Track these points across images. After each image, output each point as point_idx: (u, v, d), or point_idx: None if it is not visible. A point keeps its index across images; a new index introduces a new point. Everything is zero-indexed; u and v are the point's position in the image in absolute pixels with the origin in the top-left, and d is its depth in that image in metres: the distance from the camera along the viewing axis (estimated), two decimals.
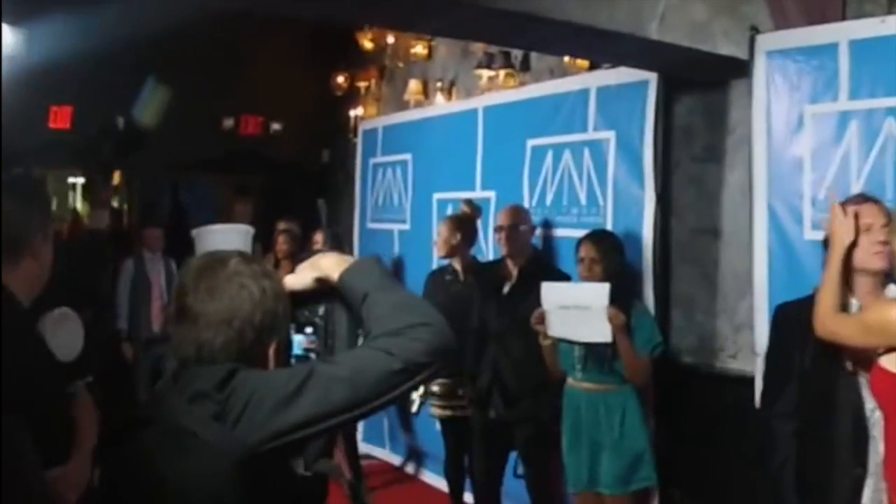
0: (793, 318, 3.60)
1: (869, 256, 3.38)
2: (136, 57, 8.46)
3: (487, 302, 5.78)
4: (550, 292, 5.10)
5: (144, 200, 10.74)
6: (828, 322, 3.21)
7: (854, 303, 3.41)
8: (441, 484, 6.94)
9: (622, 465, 5.02)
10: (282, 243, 8.04)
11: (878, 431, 3.26)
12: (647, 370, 5.09)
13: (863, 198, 3.54)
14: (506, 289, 5.74)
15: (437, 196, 7.63)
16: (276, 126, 10.13)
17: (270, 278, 2.15)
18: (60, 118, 9.04)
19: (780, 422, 3.57)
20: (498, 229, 5.81)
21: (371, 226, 8.86)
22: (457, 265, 6.31)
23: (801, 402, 3.50)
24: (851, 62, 4.38)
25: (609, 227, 5.84)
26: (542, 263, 5.94)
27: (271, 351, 2.14)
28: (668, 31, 4.64)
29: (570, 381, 5.23)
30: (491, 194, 7.04)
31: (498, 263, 5.94)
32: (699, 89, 5.62)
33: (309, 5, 4.26)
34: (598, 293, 4.88)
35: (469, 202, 6.64)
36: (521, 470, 5.82)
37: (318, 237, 7.60)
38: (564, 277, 5.59)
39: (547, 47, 5.81)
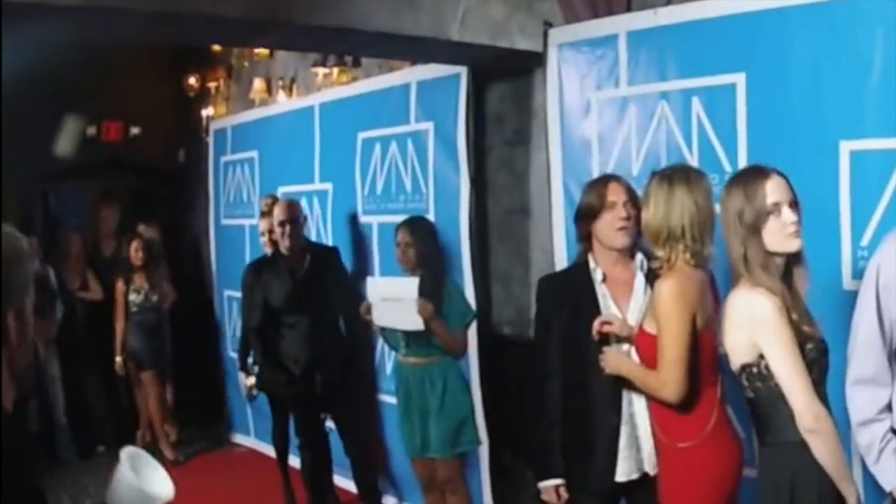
0: (552, 288, 3.80)
1: (613, 233, 3.57)
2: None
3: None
4: (374, 286, 5.29)
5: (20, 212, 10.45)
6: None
7: (598, 272, 3.59)
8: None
9: (448, 429, 5.15)
10: (135, 250, 7.93)
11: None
12: (462, 343, 5.26)
13: (609, 177, 3.72)
14: (299, 275, 6.00)
15: (282, 190, 7.58)
16: (135, 130, 9.94)
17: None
18: None
19: (548, 384, 3.72)
20: (281, 224, 5.98)
21: (225, 222, 8.81)
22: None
23: (563, 365, 3.65)
24: (629, 51, 4.55)
25: (431, 211, 5.97)
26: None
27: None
28: (469, 31, 4.75)
29: (398, 357, 5.34)
30: (328, 186, 7.09)
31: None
32: (508, 78, 5.73)
33: (161, 35, 4.41)
34: (409, 286, 5.05)
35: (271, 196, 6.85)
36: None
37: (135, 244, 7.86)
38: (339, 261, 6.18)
39: (363, 52, 6.07)
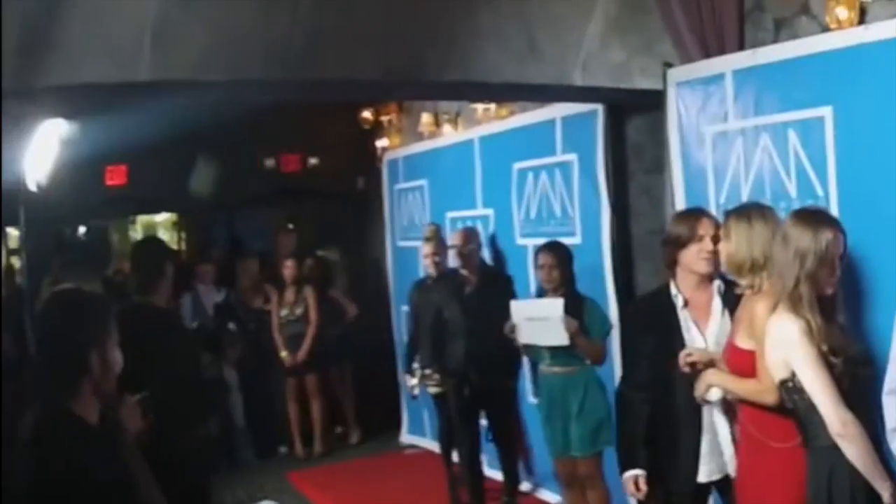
0: (638, 311, 4.68)
1: (699, 261, 4.38)
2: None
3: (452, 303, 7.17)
4: (517, 308, 6.25)
5: (198, 238, 12.11)
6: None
7: (680, 298, 4.41)
8: None
9: (587, 430, 6.06)
10: (286, 269, 9.64)
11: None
12: (603, 352, 6.13)
13: (700, 212, 4.56)
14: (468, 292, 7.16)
15: (449, 215, 8.72)
16: (313, 161, 11.28)
17: None
18: (116, 175, 10.34)
19: (634, 393, 4.57)
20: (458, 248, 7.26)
21: (400, 244, 10.00)
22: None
23: (651, 378, 4.48)
24: (735, 88, 5.35)
25: (578, 234, 6.93)
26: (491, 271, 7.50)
27: (94, 356, 2.97)
28: (591, 75, 5.65)
29: (542, 367, 6.29)
30: (490, 211, 8.13)
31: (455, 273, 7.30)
32: (644, 111, 6.59)
33: (305, 97, 5.39)
34: (554, 306, 5.97)
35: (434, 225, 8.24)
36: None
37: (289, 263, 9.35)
38: (505, 278, 7.22)
39: (491, 100, 6.98)
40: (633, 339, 4.71)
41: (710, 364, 4.22)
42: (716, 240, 4.33)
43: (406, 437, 9.98)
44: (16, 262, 11.57)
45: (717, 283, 4.45)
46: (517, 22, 5.33)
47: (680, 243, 4.45)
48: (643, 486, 4.56)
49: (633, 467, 4.59)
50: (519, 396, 7.48)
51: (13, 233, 12.42)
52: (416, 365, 7.73)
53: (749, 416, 4.00)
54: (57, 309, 3.16)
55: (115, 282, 8.65)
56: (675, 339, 4.39)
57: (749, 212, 4.07)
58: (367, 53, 4.99)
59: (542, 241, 7.06)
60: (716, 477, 4.43)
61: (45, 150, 7.24)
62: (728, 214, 4.15)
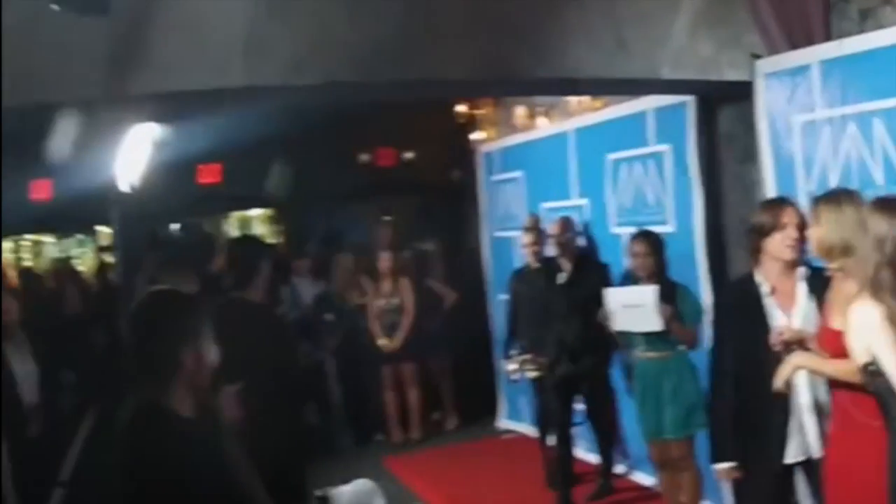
0: (725, 299, 4.88)
1: (784, 248, 4.56)
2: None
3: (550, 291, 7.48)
4: (612, 296, 6.49)
5: (295, 232, 12.60)
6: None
7: (766, 285, 4.60)
8: None
9: (680, 413, 6.26)
10: (383, 261, 10.02)
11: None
12: (696, 337, 6.33)
13: (783, 201, 4.73)
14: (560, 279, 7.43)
15: (544, 206, 8.98)
16: (408, 155, 11.64)
17: None
18: (209, 174, 10.87)
19: (723, 378, 4.77)
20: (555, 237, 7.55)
21: (496, 234, 10.29)
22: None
23: (739, 361, 4.67)
24: (821, 79, 5.51)
25: (671, 224, 7.12)
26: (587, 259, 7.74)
27: (188, 355, 3.16)
28: (679, 68, 5.85)
29: (636, 353, 6.51)
30: (585, 201, 8.37)
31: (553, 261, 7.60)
32: (734, 101, 6.75)
33: (400, 97, 5.76)
34: (648, 293, 6.21)
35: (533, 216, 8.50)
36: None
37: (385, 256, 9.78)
38: (600, 266, 7.45)
39: (582, 94, 7.20)
40: (720, 326, 4.89)
41: (802, 343, 4.37)
42: (800, 228, 4.50)
43: (503, 423, 10.29)
44: (109, 259, 12.23)
45: (801, 269, 4.62)
46: (605, 18, 5.57)
47: (764, 232, 4.62)
48: (735, 475, 4.78)
49: (724, 460, 4.78)
50: (614, 381, 7.71)
51: (105, 231, 13.15)
52: (514, 351, 8.09)
53: (848, 397, 4.08)
54: (152, 308, 3.33)
55: (211, 278, 9.12)
56: (760, 325, 4.56)
57: (838, 196, 4.22)
58: (456, 53, 5.29)
59: (635, 229, 7.37)
60: (800, 458, 4.61)
61: (137, 152, 7.56)
62: (817, 199, 4.30)
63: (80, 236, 15.35)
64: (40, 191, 10.78)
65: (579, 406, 7.72)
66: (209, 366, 3.26)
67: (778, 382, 4.20)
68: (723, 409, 4.79)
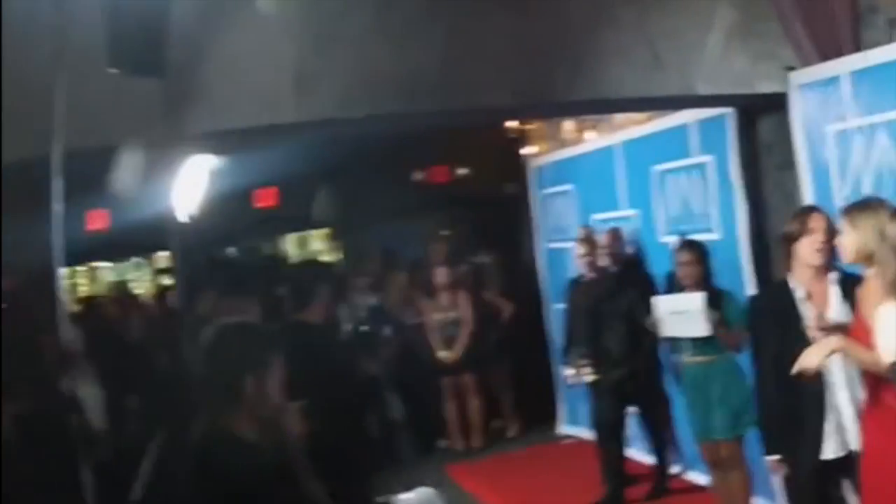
0: (761, 305, 5.11)
1: (811, 253, 4.80)
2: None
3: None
4: (661, 303, 6.78)
5: (353, 250, 13.01)
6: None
7: (800, 289, 4.83)
8: None
9: (729, 414, 6.49)
10: (436, 277, 10.39)
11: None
12: (742, 340, 6.52)
13: (811, 208, 4.98)
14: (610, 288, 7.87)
15: (595, 217, 9.25)
16: (462, 171, 11.98)
17: None
18: (266, 198, 11.30)
19: (765, 382, 5.02)
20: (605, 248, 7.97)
21: (550, 246, 10.56)
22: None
23: (776, 367, 4.89)
24: (852, 89, 5.73)
25: (716, 231, 7.38)
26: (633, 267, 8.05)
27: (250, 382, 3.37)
28: (714, 83, 6.09)
29: (684, 357, 6.77)
30: (633, 212, 8.65)
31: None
32: (773, 110, 6.97)
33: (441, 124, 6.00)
34: (694, 300, 6.48)
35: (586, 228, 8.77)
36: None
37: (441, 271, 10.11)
38: (648, 275, 7.74)
39: (626, 110, 7.49)
40: (758, 330, 5.14)
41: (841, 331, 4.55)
42: (828, 233, 4.74)
43: (563, 428, 10.56)
44: (167, 281, 12.65)
45: (832, 273, 4.86)
46: (639, 37, 5.83)
47: (793, 238, 4.88)
48: (781, 467, 5.07)
49: (771, 453, 5.07)
50: (666, 385, 7.96)
51: (162, 254, 13.61)
52: (572, 356, 8.41)
53: (882, 384, 4.30)
54: (221, 342, 3.55)
55: (273, 302, 9.47)
56: (796, 328, 4.80)
57: (864, 204, 4.43)
58: (497, 79, 5.59)
59: (681, 239, 7.60)
60: (840, 454, 4.82)
61: (194, 182, 7.78)
62: (845, 208, 4.53)
63: (136, 259, 15.84)
64: (97, 221, 11.24)
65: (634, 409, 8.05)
66: (274, 391, 3.45)
67: (812, 361, 4.31)
68: (767, 406, 5.04)
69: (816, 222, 4.84)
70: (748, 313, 5.39)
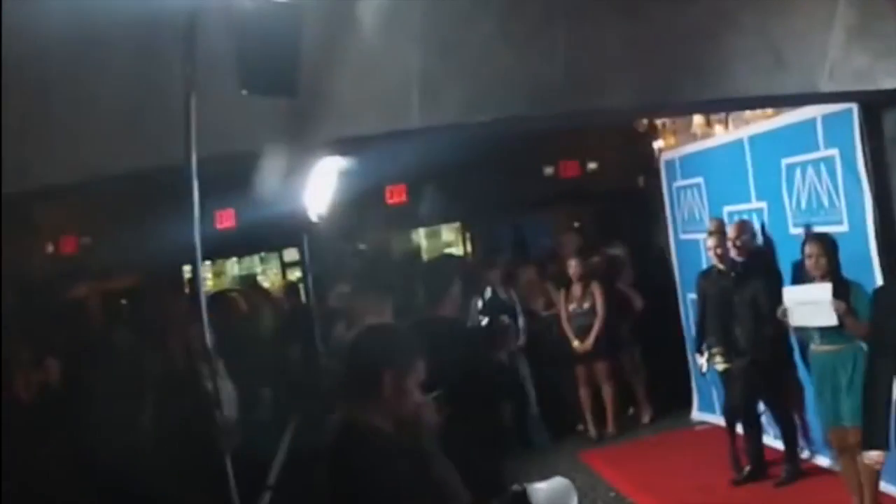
0: (886, 295, 5.29)
1: None
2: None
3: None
4: (790, 293, 7.07)
5: (485, 243, 13.43)
6: None
7: None
8: None
9: (856, 402, 6.57)
10: (572, 267, 10.75)
11: None
12: (868, 330, 6.72)
13: None
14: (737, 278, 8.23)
15: (726, 209, 9.45)
16: (592, 165, 12.28)
17: None
18: (397, 194, 11.77)
19: (881, 363, 5.20)
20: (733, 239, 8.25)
21: (682, 237, 10.80)
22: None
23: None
24: None
25: (844, 223, 7.53)
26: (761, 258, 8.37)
27: (388, 375, 3.54)
28: (836, 81, 6.24)
29: (812, 346, 6.99)
30: (763, 204, 8.83)
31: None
32: None
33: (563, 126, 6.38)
34: (823, 291, 6.71)
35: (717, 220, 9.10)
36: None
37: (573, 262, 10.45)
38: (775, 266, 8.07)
39: (751, 108, 7.68)
40: (881, 321, 5.34)
41: None
42: None
43: (697, 415, 10.83)
44: (296, 274, 13.09)
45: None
46: (762, 40, 6.03)
47: None
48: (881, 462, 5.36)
49: (873, 448, 5.33)
50: (798, 372, 8.20)
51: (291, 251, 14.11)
52: (704, 345, 8.81)
53: None
54: (364, 343, 3.77)
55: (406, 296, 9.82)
56: None
57: None
58: (619, 83, 5.85)
59: (813, 230, 7.79)
60: None
61: (324, 182, 8.18)
62: None
63: (263, 254, 16.33)
64: (225, 220, 11.84)
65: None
66: (412, 390, 3.64)
67: None
68: (880, 395, 5.23)
69: None
70: (871, 304, 5.57)
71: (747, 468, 8.43)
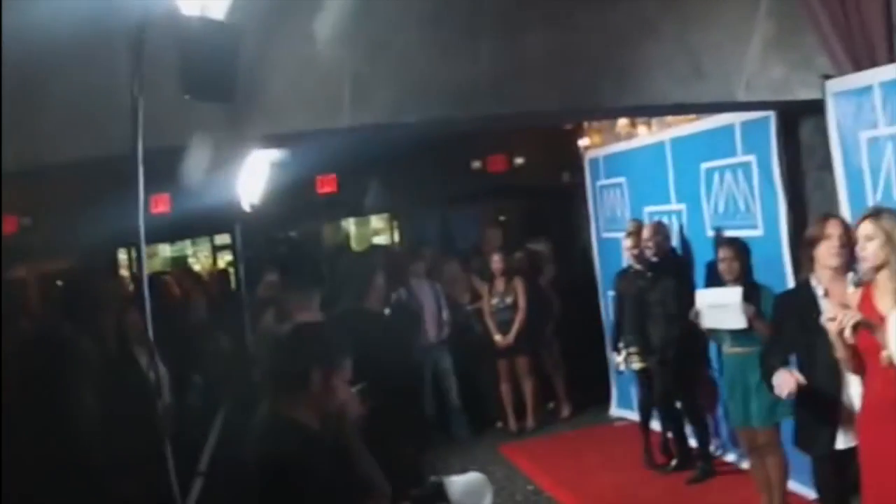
0: (784, 301, 5.49)
1: (828, 256, 5.15)
2: None
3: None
4: (701, 297, 7.19)
5: (412, 235, 13.52)
6: None
7: (820, 288, 5.18)
8: None
9: (766, 403, 6.76)
10: (494, 262, 10.77)
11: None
12: None
13: (828, 215, 5.32)
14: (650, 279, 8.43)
15: (646, 209, 9.61)
16: (518, 160, 12.40)
17: None
18: (328, 184, 11.84)
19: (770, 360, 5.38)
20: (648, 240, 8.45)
21: (604, 235, 10.94)
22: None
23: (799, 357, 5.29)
24: (882, 98, 6.03)
25: (759, 227, 7.70)
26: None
27: (316, 374, 3.64)
28: (753, 91, 6.41)
29: (724, 348, 7.14)
30: (682, 206, 8.99)
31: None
32: (814, 113, 7.25)
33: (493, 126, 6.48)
34: (733, 294, 6.85)
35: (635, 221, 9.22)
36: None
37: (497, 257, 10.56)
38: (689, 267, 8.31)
39: (669, 114, 7.87)
40: (779, 324, 5.51)
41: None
42: (844, 238, 5.10)
43: (615, 411, 11.00)
44: (226, 258, 13.06)
45: (850, 274, 5.19)
46: (682, 50, 6.16)
47: (813, 242, 5.25)
48: None
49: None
50: (712, 371, 8.40)
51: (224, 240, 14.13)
52: (621, 344, 8.98)
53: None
54: (292, 341, 3.90)
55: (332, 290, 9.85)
56: (815, 323, 5.14)
57: (879, 213, 4.77)
58: (545, 87, 5.97)
59: (729, 233, 7.95)
60: (852, 444, 5.11)
61: (257, 173, 8.34)
62: (863, 216, 4.86)
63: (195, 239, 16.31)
64: (160, 204, 11.81)
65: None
66: (340, 387, 3.76)
67: (837, 324, 4.59)
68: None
69: (833, 228, 5.20)
70: (773, 308, 5.75)
71: (674, 461, 8.67)
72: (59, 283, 13.96)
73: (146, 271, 5.26)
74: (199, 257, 16.20)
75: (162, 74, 4.94)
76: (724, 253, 7.09)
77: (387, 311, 7.05)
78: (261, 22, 5.48)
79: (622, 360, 8.91)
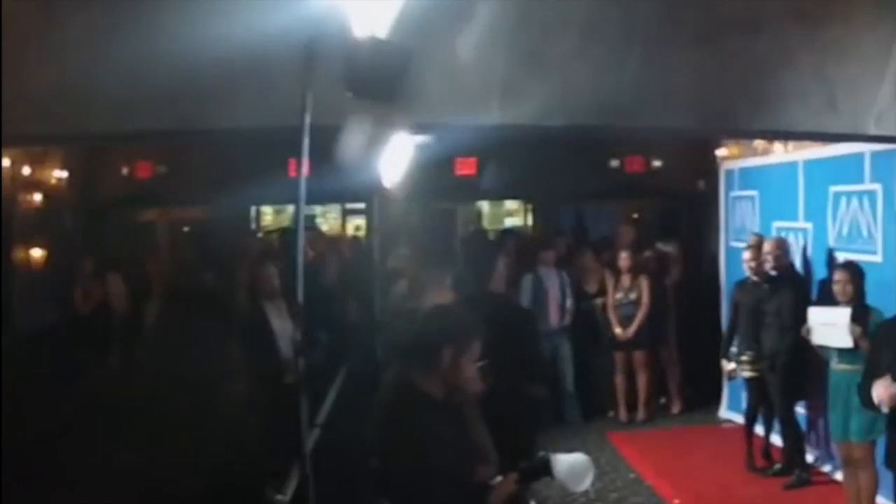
0: (889, 327, 5.81)
1: None
2: None
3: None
4: (813, 314, 7.64)
5: (546, 224, 14.01)
6: None
7: None
8: None
9: (866, 420, 7.13)
10: (622, 259, 11.20)
11: None
12: None
13: None
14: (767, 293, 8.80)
15: (775, 224, 9.96)
16: (656, 163, 12.78)
17: None
18: (467, 167, 12.35)
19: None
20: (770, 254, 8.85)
21: (732, 244, 11.28)
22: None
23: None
24: None
25: (879, 254, 8.05)
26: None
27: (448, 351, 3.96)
28: (883, 125, 6.69)
29: (831, 364, 7.50)
30: (809, 225, 9.35)
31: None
32: None
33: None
34: (843, 314, 7.26)
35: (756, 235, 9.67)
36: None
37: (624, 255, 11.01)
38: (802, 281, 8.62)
39: (800, 140, 8.34)
40: (878, 348, 5.87)
41: None
42: None
43: (724, 413, 11.36)
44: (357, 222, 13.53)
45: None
46: (818, 81, 6.49)
47: None
48: None
49: None
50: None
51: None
52: (733, 350, 9.36)
53: None
54: (429, 321, 4.20)
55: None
56: None
57: None
58: (685, 106, 6.36)
59: (850, 256, 8.30)
60: None
61: (399, 151, 8.59)
62: None
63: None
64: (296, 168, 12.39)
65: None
66: (468, 366, 4.03)
67: None
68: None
69: None
70: (872, 334, 6.11)
71: (777, 465, 9.04)
72: (185, 229, 15.08)
73: (302, 236, 5.46)
74: (328, 217, 16.57)
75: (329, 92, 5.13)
76: (839, 275, 7.49)
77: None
78: (424, 25, 5.68)
79: (733, 368, 9.30)
